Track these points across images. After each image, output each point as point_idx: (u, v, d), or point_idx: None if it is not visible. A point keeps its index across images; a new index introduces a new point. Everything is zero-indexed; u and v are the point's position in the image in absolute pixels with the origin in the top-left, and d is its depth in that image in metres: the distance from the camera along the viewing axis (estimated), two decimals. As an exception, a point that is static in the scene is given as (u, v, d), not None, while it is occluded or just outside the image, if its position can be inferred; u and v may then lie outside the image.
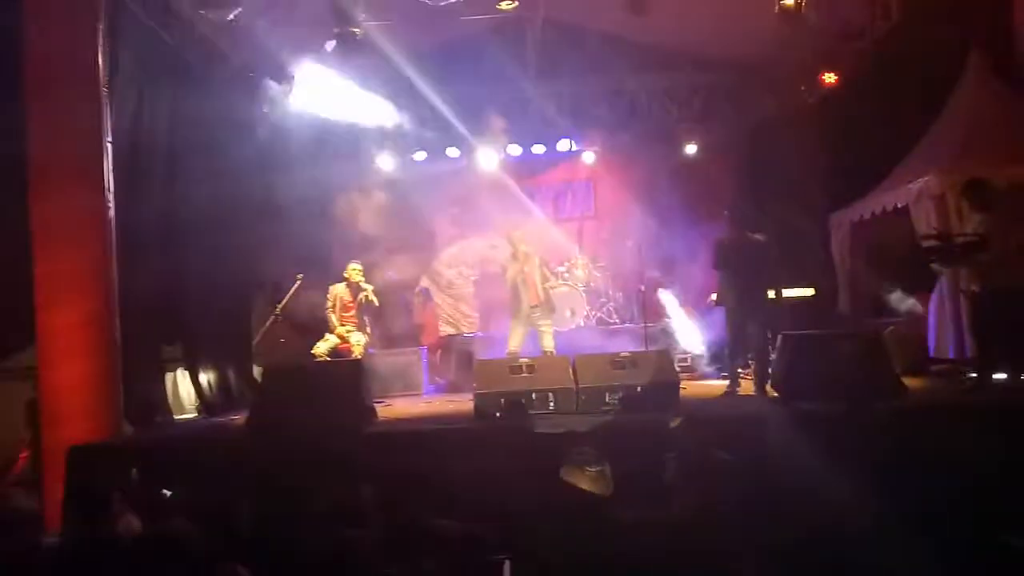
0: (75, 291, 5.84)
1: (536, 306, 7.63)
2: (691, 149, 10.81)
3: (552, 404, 5.97)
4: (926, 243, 6.77)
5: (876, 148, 9.07)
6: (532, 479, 3.92)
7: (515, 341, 7.64)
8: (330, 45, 7.20)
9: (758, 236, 6.64)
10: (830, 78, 8.70)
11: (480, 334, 9.82)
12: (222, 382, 8.64)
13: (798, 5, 6.82)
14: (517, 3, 6.96)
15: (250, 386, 9.08)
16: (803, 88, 9.84)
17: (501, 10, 7.10)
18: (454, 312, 11.48)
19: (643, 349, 7.58)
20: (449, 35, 9.72)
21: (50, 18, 5.89)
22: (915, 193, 7.96)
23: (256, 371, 9.27)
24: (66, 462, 5.37)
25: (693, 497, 3.92)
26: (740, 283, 6.51)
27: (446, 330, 10.92)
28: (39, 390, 5.86)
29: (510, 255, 7.83)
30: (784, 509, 3.67)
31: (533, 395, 5.96)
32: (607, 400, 5.94)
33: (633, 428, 5.08)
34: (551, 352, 7.49)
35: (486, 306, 10.28)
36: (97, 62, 6.03)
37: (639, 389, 5.90)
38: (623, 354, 6.29)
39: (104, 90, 6.06)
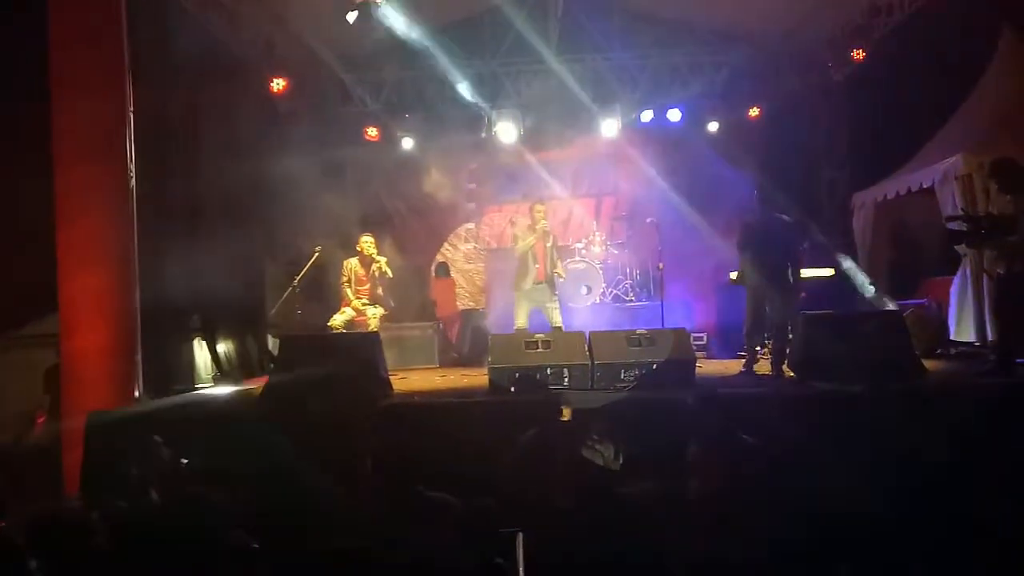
0: (96, 260, 5.89)
1: (541, 283, 7.56)
2: (713, 126, 10.65)
3: (567, 380, 5.95)
4: (951, 224, 6.66)
5: (902, 127, 8.91)
6: (547, 453, 3.93)
7: (521, 317, 7.60)
8: (352, 16, 7.14)
9: (784, 216, 6.62)
10: (859, 54, 8.50)
11: (495, 309, 9.81)
12: (238, 352, 8.73)
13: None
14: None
15: (265, 356, 9.17)
16: (830, 64, 9.65)
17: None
18: (470, 286, 11.47)
19: (659, 327, 7.53)
20: (472, 8, 9.63)
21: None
22: (941, 173, 7.81)
23: (271, 342, 9.37)
24: (84, 428, 5.44)
25: (710, 476, 3.91)
26: (766, 262, 6.47)
27: (462, 304, 10.92)
28: (60, 356, 5.94)
29: (526, 226, 7.75)
30: (799, 490, 3.64)
31: (548, 370, 5.93)
32: (622, 377, 5.91)
33: (649, 405, 5.07)
34: (560, 328, 7.43)
35: (495, 281, 10.26)
36: (122, 35, 6.03)
37: (655, 367, 5.86)
38: (639, 331, 6.23)
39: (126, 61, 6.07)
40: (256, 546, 2.87)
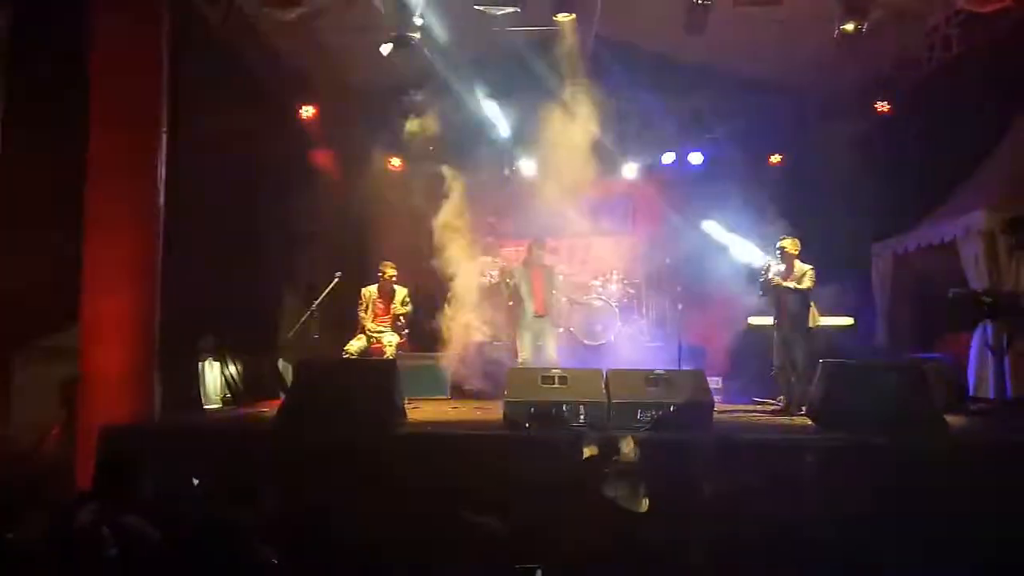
0: (122, 278, 5.99)
1: (541, 316, 7.89)
2: (735, 171, 10.70)
3: (583, 417, 5.90)
4: (983, 298, 6.72)
5: (925, 179, 8.93)
6: (565, 489, 3.88)
7: (525, 349, 7.87)
8: (386, 48, 7.28)
9: (807, 266, 6.79)
10: (884, 106, 8.56)
11: (509, 343, 9.78)
12: (250, 374, 8.74)
13: (857, 30, 6.73)
14: (574, 15, 6.95)
15: (277, 380, 9.17)
16: (855, 115, 9.72)
17: (557, 22, 7.08)
18: (483, 319, 11.43)
19: (676, 368, 7.50)
20: (499, 45, 9.76)
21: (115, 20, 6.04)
22: (963, 228, 7.80)
23: (282, 365, 9.38)
24: (98, 442, 5.44)
25: (723, 518, 3.86)
26: (789, 310, 6.67)
27: (477, 336, 10.88)
28: (79, 369, 5.96)
29: (521, 261, 8.17)
30: (813, 539, 3.59)
31: (564, 407, 5.88)
32: (639, 417, 5.85)
33: (666, 446, 5.02)
34: (555, 361, 7.70)
35: (508, 315, 10.33)
36: (163, 60, 6.17)
37: (672, 408, 5.81)
38: (657, 371, 6.20)
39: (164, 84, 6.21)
40: (276, 561, 2.85)
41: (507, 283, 8.37)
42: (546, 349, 7.96)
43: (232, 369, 8.56)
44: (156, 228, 6.14)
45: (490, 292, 10.40)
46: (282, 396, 7.51)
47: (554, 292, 8.14)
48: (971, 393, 7.65)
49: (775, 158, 10.59)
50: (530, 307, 7.94)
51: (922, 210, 8.92)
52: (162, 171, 6.16)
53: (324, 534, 3.52)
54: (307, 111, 9.23)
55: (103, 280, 5.92)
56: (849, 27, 6.70)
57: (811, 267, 6.90)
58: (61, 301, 6.17)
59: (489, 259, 11.51)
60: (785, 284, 6.86)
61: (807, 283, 6.83)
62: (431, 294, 10.40)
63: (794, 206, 10.06)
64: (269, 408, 7.24)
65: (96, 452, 5.35)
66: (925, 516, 3.71)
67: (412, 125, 9.77)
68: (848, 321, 8.58)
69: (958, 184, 8.63)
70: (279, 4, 6.48)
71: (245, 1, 7.32)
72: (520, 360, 7.74)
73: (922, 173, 8.95)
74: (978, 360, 7.67)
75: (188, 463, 4.85)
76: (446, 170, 10.53)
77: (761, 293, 7.12)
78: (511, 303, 8.28)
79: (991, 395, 7.41)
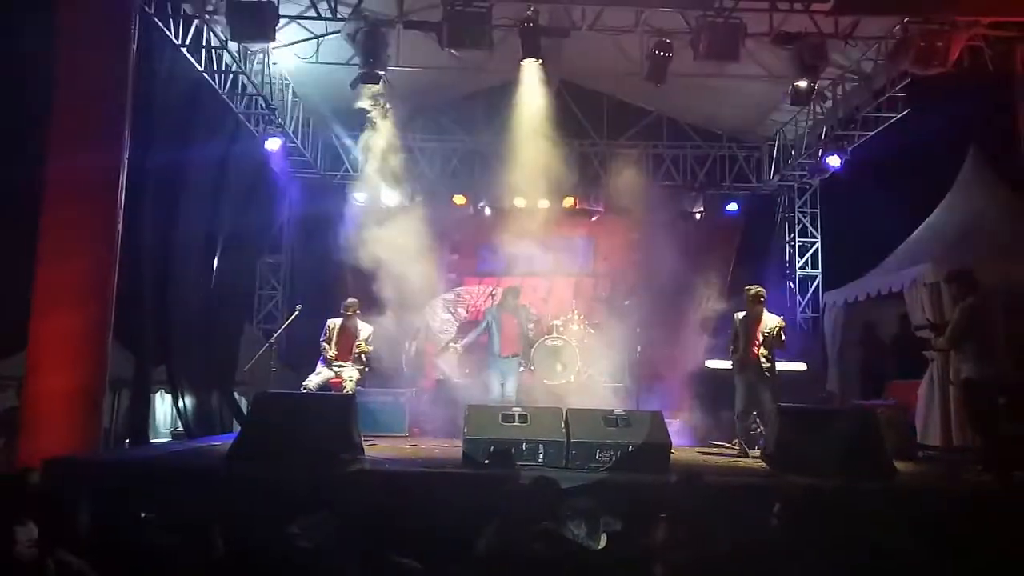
0: (74, 302, 5.83)
1: (512, 356, 8.27)
2: (693, 216, 10.99)
3: (542, 456, 5.88)
4: (919, 333, 6.91)
5: (874, 232, 9.27)
6: (518, 528, 3.86)
7: (495, 387, 8.13)
8: (353, 82, 7.36)
9: (777, 318, 7.03)
10: (834, 161, 8.91)
11: (470, 381, 9.74)
12: (203, 406, 8.53)
13: (810, 89, 7.03)
14: (541, 61, 7.13)
15: (231, 412, 8.97)
16: (807, 169, 10.08)
17: (525, 66, 7.26)
18: (445, 356, 11.39)
19: (635, 408, 7.55)
20: (466, 89, 9.95)
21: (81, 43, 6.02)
22: (910, 279, 8.09)
23: (238, 398, 9.18)
24: (43, 474, 5.22)
25: (679, 561, 3.86)
26: (755, 356, 6.85)
27: (437, 373, 10.82)
28: (19, 399, 5.77)
29: (496, 304, 8.62)
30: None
31: (524, 445, 5.87)
32: (597, 457, 5.86)
33: (623, 486, 5.03)
34: (511, 398, 8.03)
35: (466, 353, 10.38)
36: (127, 83, 6.15)
37: (631, 449, 5.84)
38: (617, 411, 6.24)
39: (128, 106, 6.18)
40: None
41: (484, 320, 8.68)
42: (506, 387, 8.23)
43: (185, 401, 8.36)
44: (114, 253, 6.03)
45: (463, 329, 10.45)
46: (238, 429, 7.37)
47: (528, 333, 8.60)
48: (918, 440, 7.84)
49: (732, 206, 10.89)
50: (498, 347, 8.29)
51: (872, 262, 9.23)
52: (122, 195, 6.08)
53: (269, 572, 3.44)
54: (273, 143, 9.20)
55: (53, 303, 5.76)
56: (802, 84, 6.99)
57: (780, 318, 7.05)
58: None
59: (451, 295, 11.54)
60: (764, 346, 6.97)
61: (781, 338, 6.98)
62: (392, 330, 10.33)
63: (750, 252, 10.34)
64: (221, 443, 7.06)
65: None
66: (871, 555, 3.77)
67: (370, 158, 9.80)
68: (801, 367, 8.77)
69: (905, 237, 8.97)
70: (249, 39, 6.51)
71: (215, 28, 7.33)
72: (491, 398, 8.00)
73: (871, 226, 9.29)
74: (925, 408, 7.89)
75: (132, 498, 4.69)
76: (408, 205, 10.63)
77: (732, 348, 7.21)
78: (483, 340, 8.58)
79: (938, 442, 7.61)
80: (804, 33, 6.88)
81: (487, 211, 10.63)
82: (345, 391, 7.27)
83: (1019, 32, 6.81)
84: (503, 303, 8.67)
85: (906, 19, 6.69)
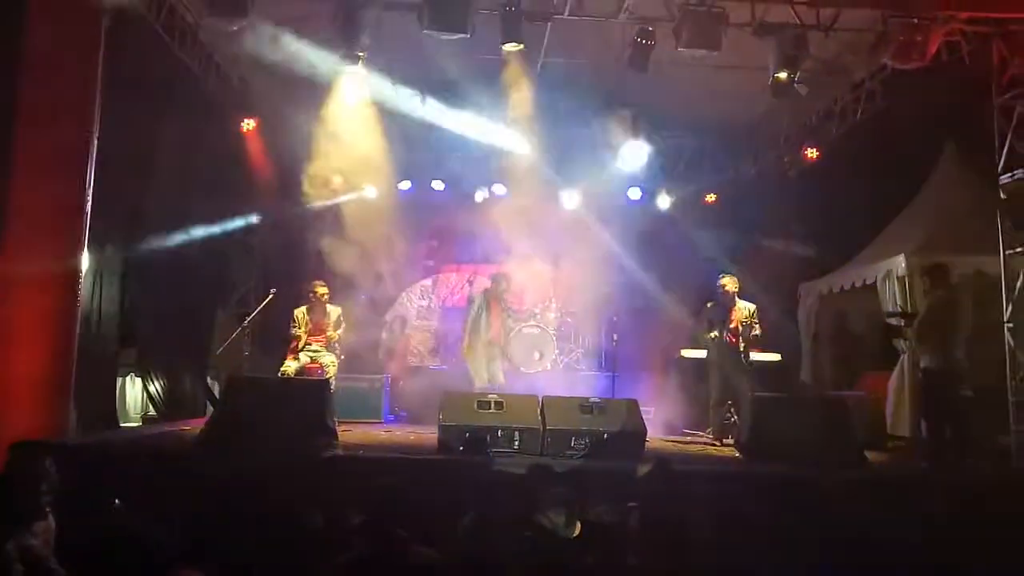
0: (40, 282, 5.68)
1: (493, 344, 8.36)
2: (670, 206, 11.00)
3: (517, 443, 5.89)
4: (890, 320, 6.99)
5: (850, 224, 9.34)
6: (496, 516, 3.85)
7: (480, 376, 8.14)
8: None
9: (750, 304, 7.11)
10: (812, 153, 8.95)
11: (446, 367, 9.72)
12: (174, 390, 8.42)
13: (790, 79, 7.05)
14: (523, 46, 7.05)
15: (204, 395, 8.86)
16: (785, 160, 10.13)
17: (506, 51, 7.16)
18: (419, 344, 11.34)
19: (611, 397, 7.57)
20: (446, 71, 9.82)
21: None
22: (884, 271, 8.17)
23: (210, 382, 9.06)
24: (7, 458, 5.11)
25: (652, 548, 3.88)
26: (731, 344, 6.95)
27: (414, 360, 10.78)
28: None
29: (484, 289, 8.65)
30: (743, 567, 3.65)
31: (499, 432, 5.87)
32: (572, 444, 5.89)
33: (599, 474, 5.04)
34: (502, 382, 8.17)
35: (446, 340, 10.36)
36: (98, 57, 5.99)
37: (606, 436, 5.86)
38: (592, 399, 6.25)
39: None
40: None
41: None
42: (493, 371, 8.36)
43: (155, 385, 8.23)
44: (81, 232, 5.89)
45: (446, 315, 10.46)
46: (209, 413, 7.26)
47: (508, 321, 8.78)
48: (888, 431, 7.95)
49: (710, 197, 10.93)
50: (486, 334, 8.36)
51: (847, 253, 9.30)
52: (91, 173, 5.93)
53: (241, 559, 3.40)
54: (248, 124, 9.04)
55: (20, 283, 5.61)
56: (782, 76, 7.00)
57: (753, 306, 7.11)
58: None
59: (428, 282, 11.49)
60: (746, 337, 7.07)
61: (757, 330, 7.06)
62: (368, 316, 10.26)
63: (726, 242, 10.38)
64: (192, 427, 6.97)
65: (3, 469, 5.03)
66: (843, 542, 3.83)
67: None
68: (776, 357, 8.84)
69: (881, 229, 9.05)
70: (224, 14, 6.36)
71: (189, 7, 7.17)
72: (477, 385, 8.10)
73: (847, 218, 9.36)
74: (895, 399, 7.99)
75: (101, 482, 4.61)
76: (385, 192, 10.52)
77: (714, 335, 7.23)
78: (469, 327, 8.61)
79: (907, 433, 7.72)
80: (786, 24, 6.90)
81: (467, 198, 10.55)
82: (327, 378, 7.16)
83: (996, 28, 6.87)
84: (492, 290, 8.73)
85: (886, 14, 6.74)
